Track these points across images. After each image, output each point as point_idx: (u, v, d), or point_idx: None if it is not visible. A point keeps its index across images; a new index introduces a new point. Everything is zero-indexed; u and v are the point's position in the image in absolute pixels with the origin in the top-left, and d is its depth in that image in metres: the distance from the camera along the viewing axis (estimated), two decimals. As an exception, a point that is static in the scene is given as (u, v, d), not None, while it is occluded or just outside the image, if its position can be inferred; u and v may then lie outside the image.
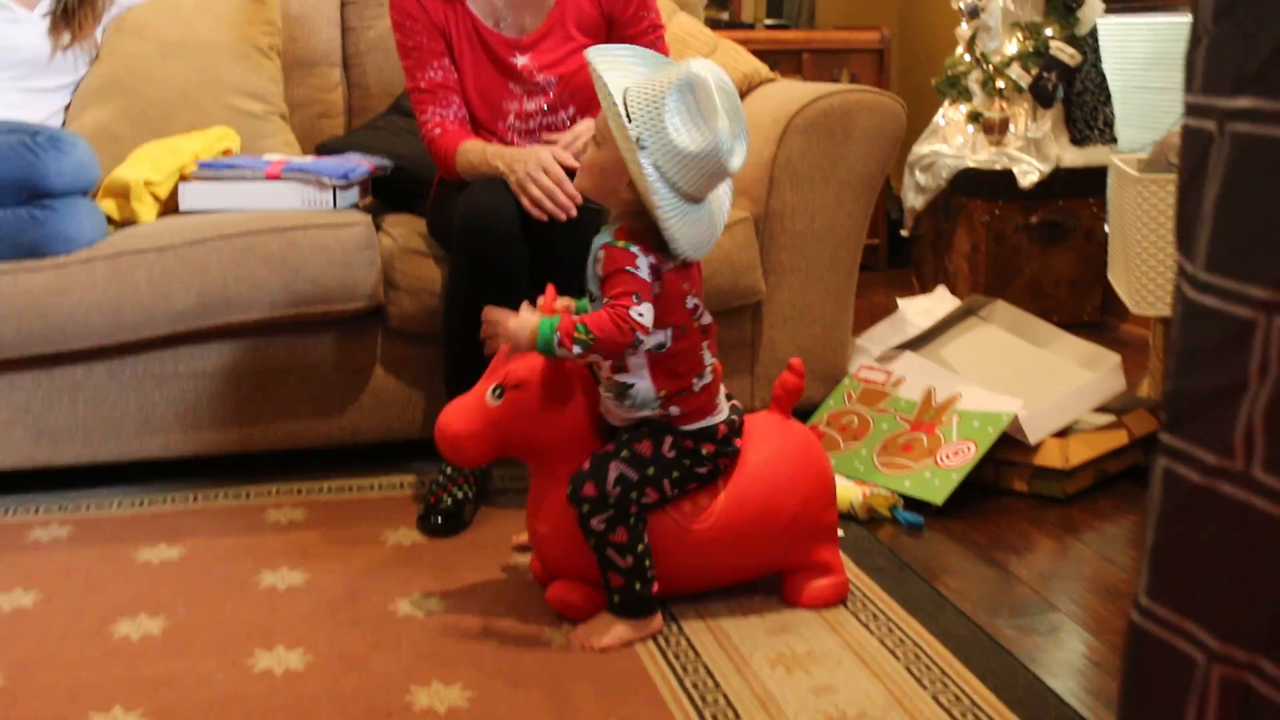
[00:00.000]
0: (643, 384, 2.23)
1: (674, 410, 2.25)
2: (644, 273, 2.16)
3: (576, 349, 2.15)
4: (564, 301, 2.32)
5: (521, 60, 2.93)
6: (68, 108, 3.46)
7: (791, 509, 2.32)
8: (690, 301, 2.25)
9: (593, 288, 2.23)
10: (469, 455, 2.29)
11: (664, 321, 2.20)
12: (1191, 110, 1.13)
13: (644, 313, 2.15)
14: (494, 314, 2.32)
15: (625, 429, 2.28)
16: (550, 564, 2.36)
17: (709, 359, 2.29)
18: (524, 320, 2.19)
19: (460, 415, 2.28)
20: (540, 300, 2.29)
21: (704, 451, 2.27)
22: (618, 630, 2.24)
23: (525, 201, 2.65)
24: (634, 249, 2.16)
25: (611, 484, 2.20)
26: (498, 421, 2.27)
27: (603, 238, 2.20)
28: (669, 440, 2.25)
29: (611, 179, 2.20)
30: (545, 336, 2.15)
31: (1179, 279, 1.13)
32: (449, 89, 2.93)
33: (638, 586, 2.23)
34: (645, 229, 2.18)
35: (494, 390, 2.27)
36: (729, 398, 2.35)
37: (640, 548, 2.23)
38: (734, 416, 2.32)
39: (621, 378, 2.24)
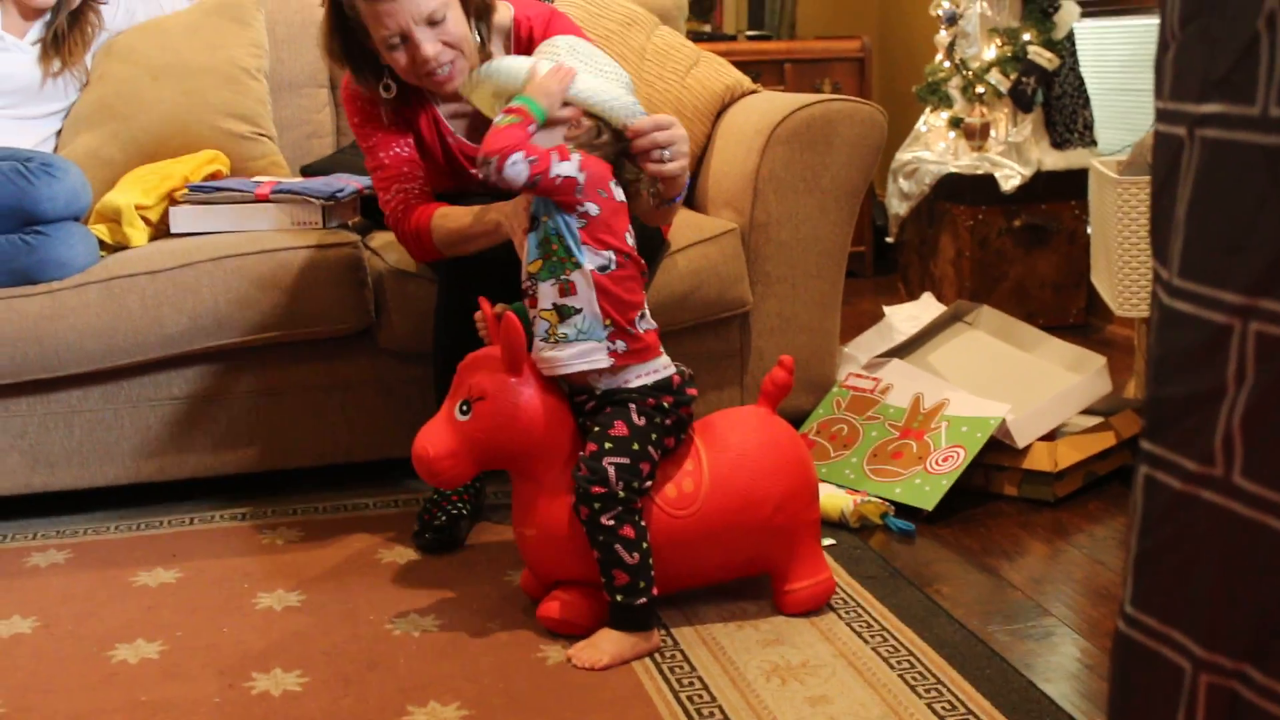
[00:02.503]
0: (590, 308, 2.25)
1: (619, 345, 2.26)
2: (569, 168, 2.25)
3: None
4: (500, 307, 2.37)
5: (477, 170, 2.86)
6: (59, 134, 3.45)
7: (775, 500, 2.31)
8: (630, 239, 2.31)
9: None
10: (449, 476, 2.28)
11: (607, 243, 2.27)
12: (1162, 116, 1.12)
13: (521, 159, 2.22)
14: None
15: (591, 417, 2.28)
16: (539, 568, 2.35)
17: (646, 311, 2.33)
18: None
19: (433, 437, 2.27)
20: (481, 320, 2.38)
21: (665, 404, 2.29)
22: (617, 647, 2.22)
23: None
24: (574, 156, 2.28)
25: (614, 480, 2.20)
26: (470, 436, 2.26)
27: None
28: (633, 408, 2.26)
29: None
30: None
31: (1155, 285, 1.12)
32: (414, 163, 2.79)
33: (641, 586, 2.22)
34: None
35: (460, 406, 2.27)
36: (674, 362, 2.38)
37: (645, 545, 2.22)
38: (683, 369, 2.36)
39: (569, 300, 2.25)
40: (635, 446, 2.24)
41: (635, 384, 2.28)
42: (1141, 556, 1.12)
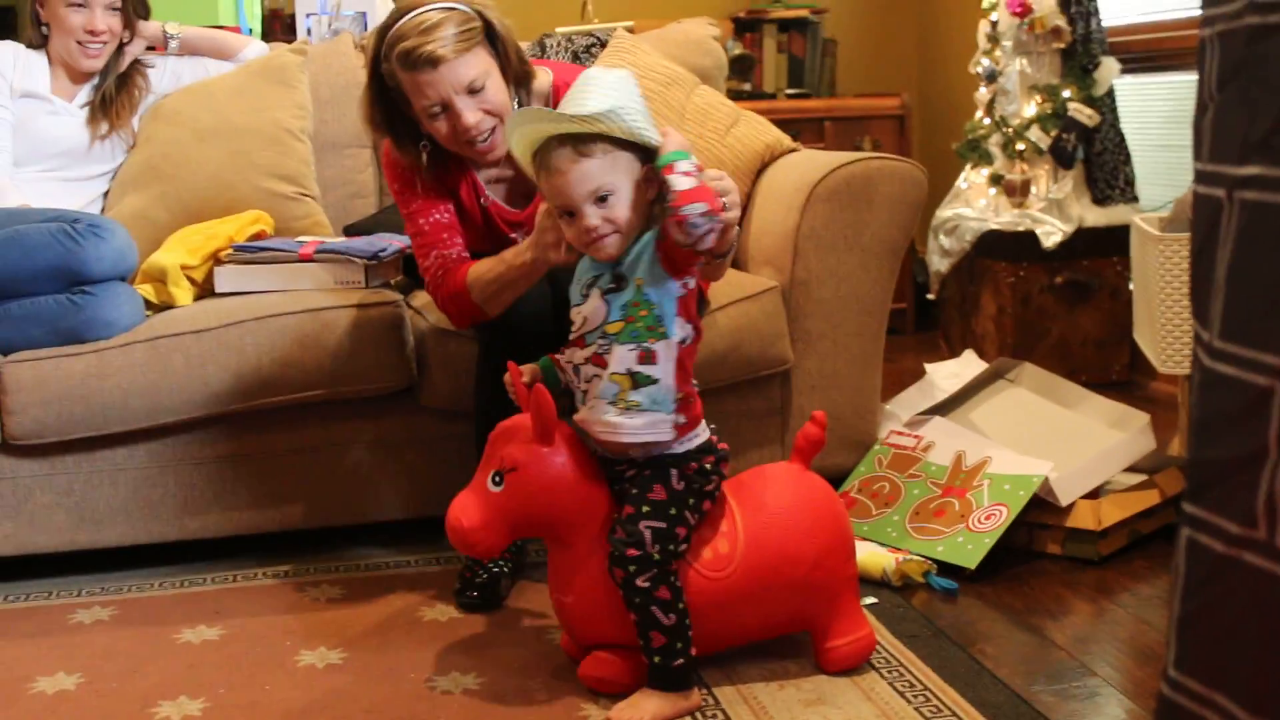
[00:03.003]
0: (666, 380, 2.23)
1: (680, 419, 2.25)
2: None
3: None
4: (529, 368, 2.36)
5: (516, 236, 2.85)
6: (106, 195, 3.50)
7: (811, 557, 2.30)
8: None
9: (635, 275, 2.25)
10: (483, 546, 2.27)
11: (692, 317, 2.27)
12: (1201, 178, 1.12)
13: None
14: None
15: (631, 481, 2.27)
16: (578, 633, 2.35)
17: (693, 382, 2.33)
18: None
19: (467, 509, 2.26)
20: (510, 381, 2.34)
21: (707, 466, 2.28)
22: (657, 707, 2.21)
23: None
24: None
25: (650, 543, 2.19)
26: (503, 507, 2.25)
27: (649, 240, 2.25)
28: (674, 474, 2.25)
29: (640, 208, 2.25)
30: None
31: (1195, 347, 1.12)
32: (453, 229, 2.79)
33: (679, 646, 2.21)
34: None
35: (493, 477, 2.26)
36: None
37: (681, 606, 2.21)
38: (712, 425, 2.35)
39: (647, 369, 2.22)
40: (673, 511, 2.23)
41: (679, 449, 2.28)
42: (1184, 619, 1.11)
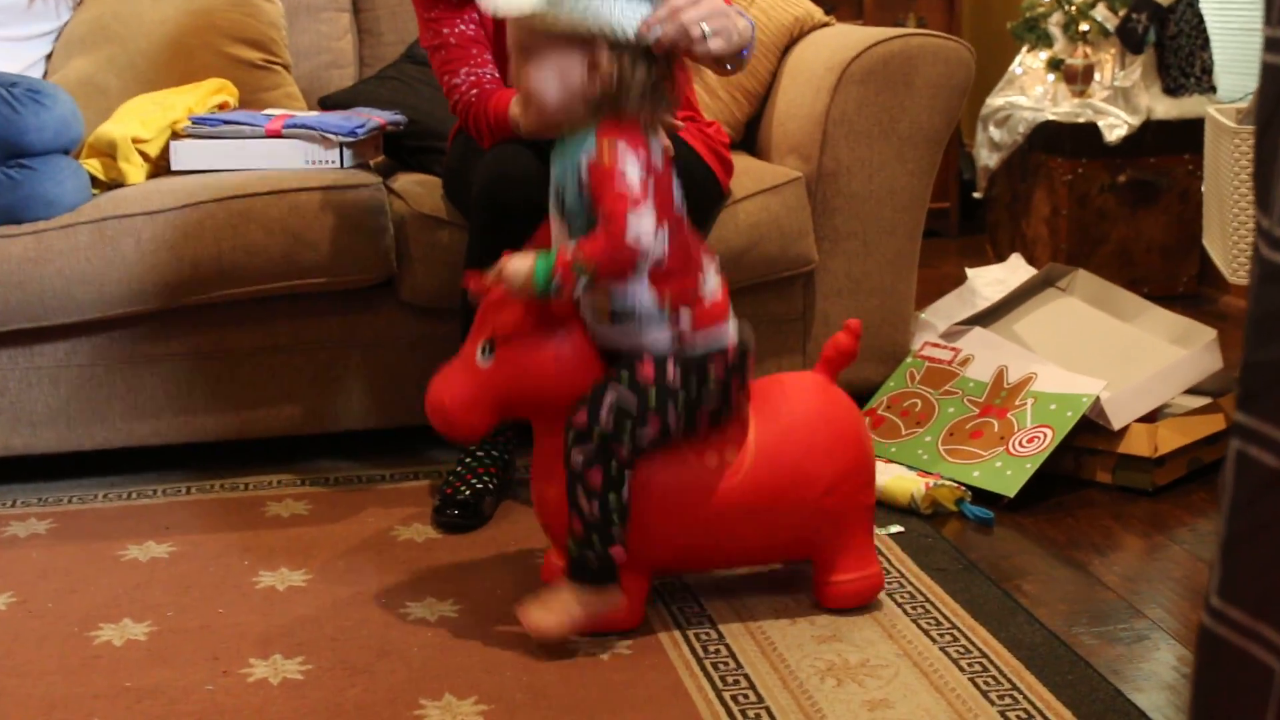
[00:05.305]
0: (643, 305, 2.19)
1: (684, 317, 2.20)
2: (634, 174, 2.12)
3: (580, 281, 2.11)
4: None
5: None
6: (49, 57, 3.48)
7: (827, 480, 2.29)
8: (677, 194, 2.23)
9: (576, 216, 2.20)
10: (467, 427, 2.24)
11: (658, 220, 2.15)
12: (1271, 45, 1.10)
13: (643, 219, 2.11)
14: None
15: (624, 356, 2.23)
16: (559, 534, 2.30)
17: (710, 265, 2.26)
18: (520, 261, 2.14)
19: (451, 384, 2.23)
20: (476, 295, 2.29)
21: (713, 374, 2.23)
22: (568, 609, 2.20)
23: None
24: (620, 144, 2.12)
25: (605, 411, 2.16)
26: (492, 382, 2.21)
27: (584, 150, 2.16)
28: (671, 363, 2.20)
29: (573, 85, 2.16)
30: (542, 275, 2.11)
31: (1256, 237, 1.10)
32: (481, 45, 2.81)
33: (594, 540, 2.18)
34: (622, 120, 2.16)
35: (483, 348, 2.23)
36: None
37: (612, 499, 2.18)
38: (744, 338, 2.28)
39: (618, 304, 2.20)
40: (653, 399, 2.18)
41: (687, 351, 2.22)
42: (1230, 542, 1.11)
